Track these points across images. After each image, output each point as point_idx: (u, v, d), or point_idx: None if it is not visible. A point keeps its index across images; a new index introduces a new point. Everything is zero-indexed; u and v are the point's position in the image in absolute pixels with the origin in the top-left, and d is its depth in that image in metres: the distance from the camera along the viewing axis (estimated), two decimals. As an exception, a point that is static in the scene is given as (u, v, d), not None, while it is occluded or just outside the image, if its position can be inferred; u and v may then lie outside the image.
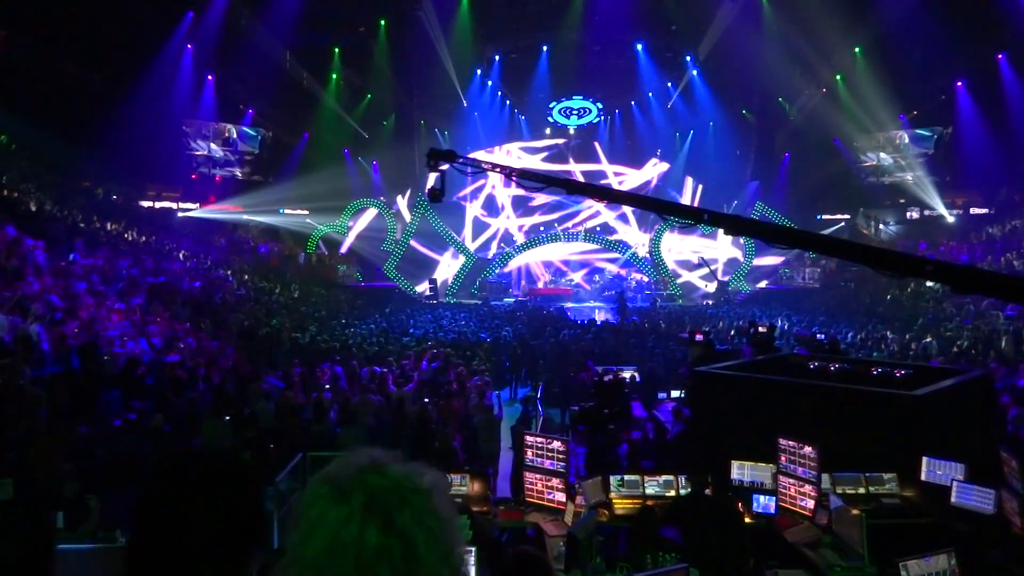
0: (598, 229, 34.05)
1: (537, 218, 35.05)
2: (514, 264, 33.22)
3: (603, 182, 32.57)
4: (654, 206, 4.66)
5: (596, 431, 9.97)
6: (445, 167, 6.33)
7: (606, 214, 33.81)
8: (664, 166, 35.42)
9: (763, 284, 31.57)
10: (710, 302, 29.44)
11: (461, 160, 6.01)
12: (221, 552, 1.27)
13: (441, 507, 1.22)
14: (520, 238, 33.99)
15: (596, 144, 37.07)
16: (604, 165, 35.45)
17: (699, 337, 13.47)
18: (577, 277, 34.11)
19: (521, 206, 34.66)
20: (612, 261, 33.77)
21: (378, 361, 15.24)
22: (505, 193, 33.88)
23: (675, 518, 6.09)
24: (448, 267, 32.76)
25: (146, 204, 31.76)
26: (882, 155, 34.83)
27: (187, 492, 1.30)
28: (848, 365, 10.08)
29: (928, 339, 17.63)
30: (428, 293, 30.64)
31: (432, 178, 6.17)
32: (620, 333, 20.14)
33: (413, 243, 31.95)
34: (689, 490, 6.64)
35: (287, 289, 27.25)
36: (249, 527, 1.33)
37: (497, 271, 32.57)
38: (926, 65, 28.72)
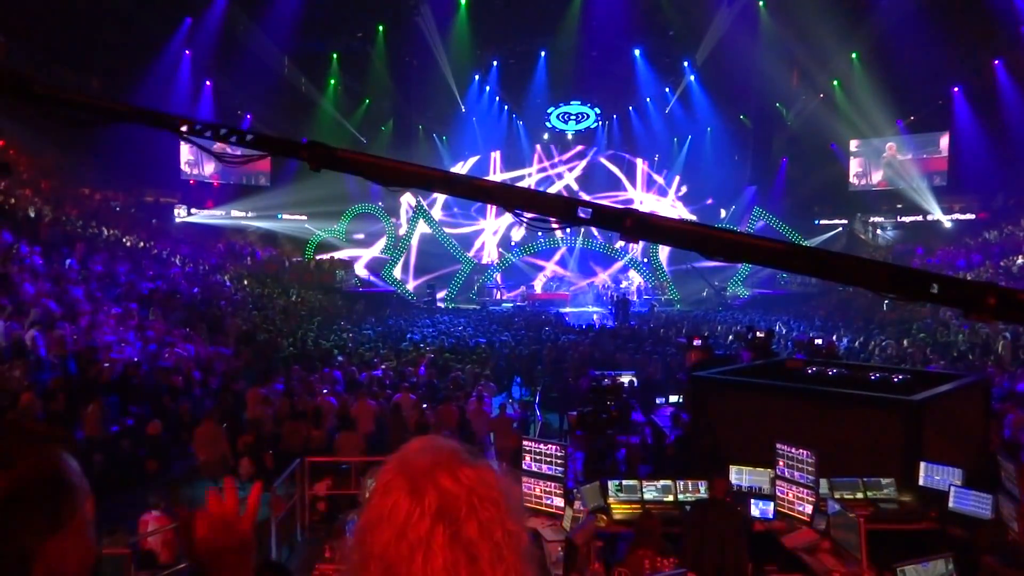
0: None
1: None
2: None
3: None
4: (520, 199, 2.86)
5: (594, 436, 9.96)
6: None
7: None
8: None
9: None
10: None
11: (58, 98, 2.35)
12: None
13: (510, 517, 1.15)
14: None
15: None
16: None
17: (697, 342, 13.47)
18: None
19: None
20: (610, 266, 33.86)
21: (376, 366, 15.27)
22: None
23: (679, 522, 6.08)
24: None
25: (144, 210, 31.71)
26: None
27: None
28: (846, 370, 10.06)
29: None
30: (426, 298, 30.67)
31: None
32: (618, 338, 20.14)
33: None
34: (706, 495, 6.58)
35: (285, 294, 27.23)
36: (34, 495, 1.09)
37: (496, 276, 32.59)
38: (923, 71, 28.79)
